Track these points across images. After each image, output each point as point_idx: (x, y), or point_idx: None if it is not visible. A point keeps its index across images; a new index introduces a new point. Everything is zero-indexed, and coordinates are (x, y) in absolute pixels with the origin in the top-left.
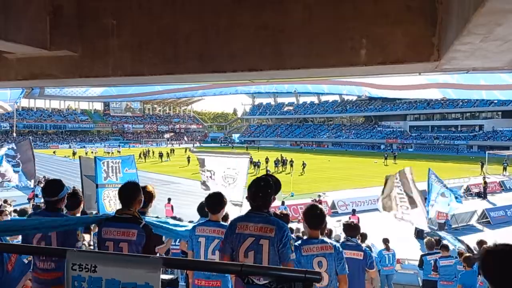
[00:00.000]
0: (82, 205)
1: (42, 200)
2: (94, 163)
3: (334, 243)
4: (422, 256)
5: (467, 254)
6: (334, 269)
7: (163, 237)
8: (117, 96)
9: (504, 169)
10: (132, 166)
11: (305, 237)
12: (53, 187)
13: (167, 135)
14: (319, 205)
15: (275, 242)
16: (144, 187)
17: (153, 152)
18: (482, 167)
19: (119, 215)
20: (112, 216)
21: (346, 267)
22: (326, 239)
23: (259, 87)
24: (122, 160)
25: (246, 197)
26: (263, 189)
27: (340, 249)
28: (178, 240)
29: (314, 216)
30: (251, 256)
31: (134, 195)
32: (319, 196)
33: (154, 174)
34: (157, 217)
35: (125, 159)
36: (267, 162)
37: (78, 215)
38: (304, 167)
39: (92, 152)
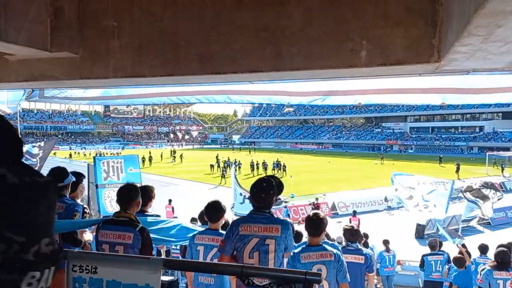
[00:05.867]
0: (83, 191)
1: None
2: (93, 162)
3: (335, 251)
4: (423, 256)
5: (458, 256)
6: (334, 277)
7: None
8: (114, 98)
9: (502, 170)
10: (136, 166)
11: (305, 244)
12: (58, 173)
13: (171, 135)
14: (321, 213)
15: (281, 241)
16: (145, 187)
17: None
18: (457, 170)
19: (116, 218)
20: (109, 218)
21: (348, 275)
22: (327, 246)
23: (252, 97)
24: (125, 160)
25: (249, 198)
26: (265, 190)
27: (341, 257)
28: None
29: (313, 222)
30: (256, 256)
31: (132, 197)
32: (317, 199)
33: (154, 176)
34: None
35: (128, 158)
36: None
37: (78, 200)
38: (284, 169)
39: (83, 154)
